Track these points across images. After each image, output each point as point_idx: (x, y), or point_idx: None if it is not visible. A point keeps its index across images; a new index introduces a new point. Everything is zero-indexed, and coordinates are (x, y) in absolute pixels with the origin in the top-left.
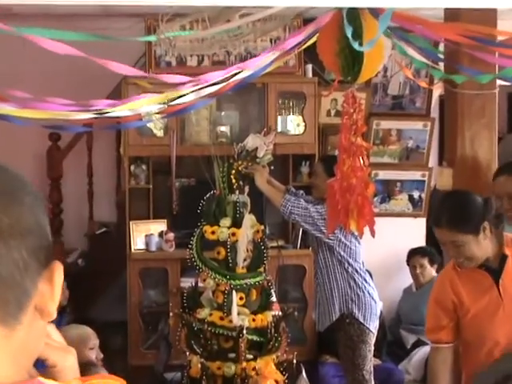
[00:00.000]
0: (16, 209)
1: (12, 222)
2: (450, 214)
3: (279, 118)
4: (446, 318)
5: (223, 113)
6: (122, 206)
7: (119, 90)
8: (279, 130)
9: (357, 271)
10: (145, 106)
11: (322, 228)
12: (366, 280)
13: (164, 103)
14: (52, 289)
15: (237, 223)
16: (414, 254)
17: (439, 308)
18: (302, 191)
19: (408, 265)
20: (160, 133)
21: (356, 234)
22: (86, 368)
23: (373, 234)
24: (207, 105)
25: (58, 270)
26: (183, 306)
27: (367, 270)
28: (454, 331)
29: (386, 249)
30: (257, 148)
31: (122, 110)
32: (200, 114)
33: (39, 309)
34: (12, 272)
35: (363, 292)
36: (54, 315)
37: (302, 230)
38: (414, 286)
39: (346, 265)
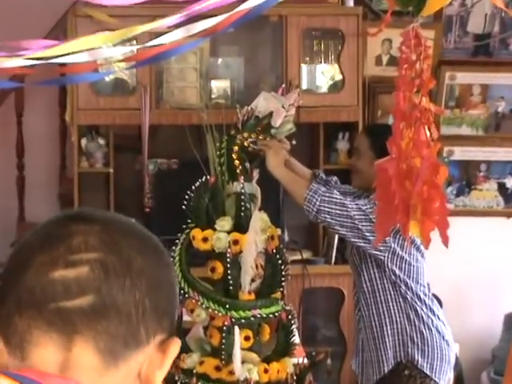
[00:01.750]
0: (151, 259)
1: (144, 266)
2: None
3: (304, 67)
4: None
5: (220, 60)
6: (68, 199)
7: (63, 27)
8: (304, 86)
9: (419, 298)
10: (104, 49)
11: (367, 234)
12: (433, 311)
13: (132, 45)
14: (163, 359)
15: (241, 226)
16: None
17: None
18: (335, 178)
19: None
20: (126, 90)
21: (418, 242)
22: None
23: (445, 242)
24: (196, 48)
25: (176, 346)
26: None
27: (435, 296)
28: None
29: (463, 264)
30: (271, 113)
31: (66, 52)
32: (186, 63)
33: (144, 377)
34: (129, 309)
35: (429, 329)
36: None
37: (338, 237)
38: None
39: (404, 288)
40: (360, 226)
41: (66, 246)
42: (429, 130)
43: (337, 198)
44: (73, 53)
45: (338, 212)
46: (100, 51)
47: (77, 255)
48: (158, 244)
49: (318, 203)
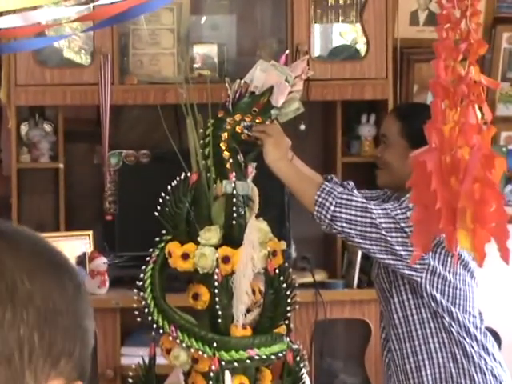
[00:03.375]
0: (48, 282)
1: (34, 291)
2: None
3: (316, 28)
4: None
5: (204, 19)
6: (5, 204)
7: None
8: (316, 52)
9: (468, 332)
10: (49, 7)
11: (398, 248)
12: (486, 349)
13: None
14: None
15: (232, 238)
16: None
17: None
18: (351, 183)
19: None
20: (81, 59)
21: (466, 258)
22: None
23: (506, 257)
24: (173, 3)
25: None
26: None
27: (489, 330)
28: None
29: None
30: (271, 89)
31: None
32: (159, 23)
33: None
34: (11, 349)
35: (483, 373)
36: None
37: (362, 253)
38: None
39: (448, 320)
40: (389, 238)
41: None
42: (480, 110)
43: (357, 201)
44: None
45: (360, 220)
46: (44, 10)
47: None
48: (64, 264)
49: (332, 208)
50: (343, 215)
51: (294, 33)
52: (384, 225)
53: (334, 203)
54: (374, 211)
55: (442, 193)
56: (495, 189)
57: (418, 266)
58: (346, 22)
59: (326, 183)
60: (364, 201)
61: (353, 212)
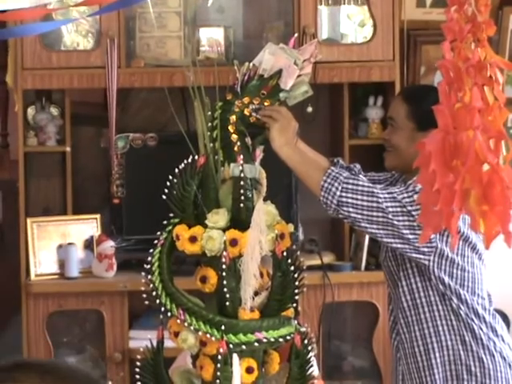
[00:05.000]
0: None
1: None
2: None
3: (323, 10)
4: None
5: (211, 1)
6: (12, 188)
7: None
8: (324, 35)
9: (477, 314)
10: None
11: (405, 231)
12: (495, 331)
13: None
14: None
15: (240, 221)
16: None
17: None
18: (358, 166)
19: None
20: (88, 42)
21: (474, 239)
22: None
23: (508, 241)
24: None
25: None
26: None
27: (498, 311)
28: None
29: None
30: (280, 71)
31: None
32: (165, 5)
33: None
34: None
35: (491, 355)
36: None
37: (369, 237)
38: None
39: (456, 302)
40: (395, 222)
41: None
42: (492, 91)
43: (364, 186)
44: None
45: (366, 204)
46: None
47: None
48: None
49: (338, 193)
50: (349, 200)
51: (300, 15)
52: (390, 209)
53: (339, 188)
54: (381, 195)
55: (441, 174)
56: (499, 172)
57: (425, 249)
58: (352, 4)
59: (332, 168)
60: (370, 185)
61: (359, 197)
